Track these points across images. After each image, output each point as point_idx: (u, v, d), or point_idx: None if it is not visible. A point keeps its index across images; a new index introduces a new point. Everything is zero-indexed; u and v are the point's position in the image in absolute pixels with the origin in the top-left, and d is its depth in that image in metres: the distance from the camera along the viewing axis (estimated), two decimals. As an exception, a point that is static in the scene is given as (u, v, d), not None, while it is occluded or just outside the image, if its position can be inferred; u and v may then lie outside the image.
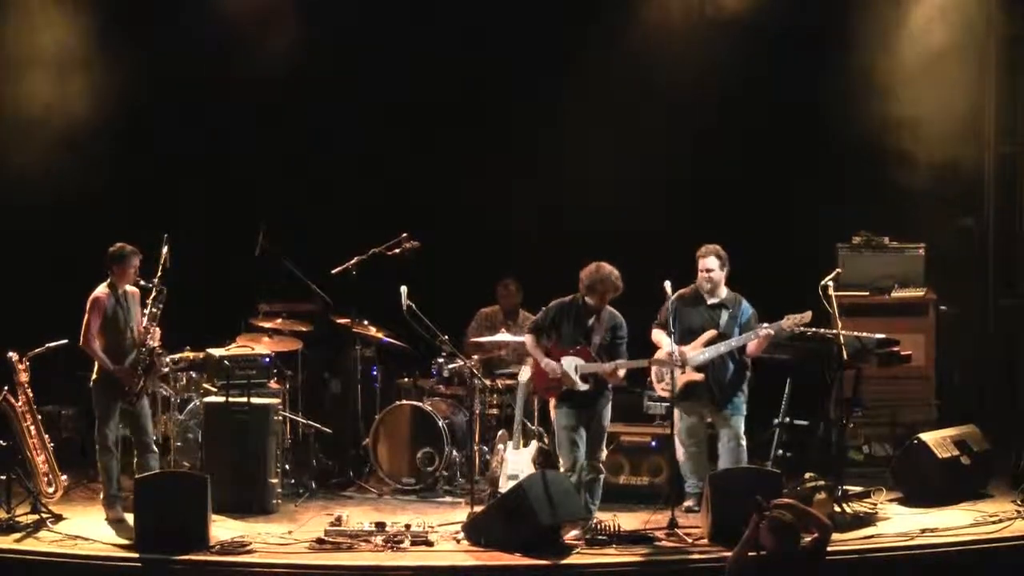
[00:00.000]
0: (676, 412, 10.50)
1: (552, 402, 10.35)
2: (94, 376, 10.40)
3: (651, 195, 12.69)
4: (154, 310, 10.42)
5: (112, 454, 10.37)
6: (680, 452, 10.73)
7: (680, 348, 10.34)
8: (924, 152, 12.48)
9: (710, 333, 10.56)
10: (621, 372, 10.30)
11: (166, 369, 11.02)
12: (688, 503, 10.66)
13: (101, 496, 10.45)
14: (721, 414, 10.63)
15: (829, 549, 9.25)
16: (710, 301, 10.65)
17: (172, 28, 12.60)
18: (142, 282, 10.42)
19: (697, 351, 10.51)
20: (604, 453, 10.41)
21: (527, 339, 10.43)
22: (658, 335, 10.68)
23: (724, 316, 10.60)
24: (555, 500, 9.73)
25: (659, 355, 10.55)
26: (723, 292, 10.66)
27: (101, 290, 10.39)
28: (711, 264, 10.59)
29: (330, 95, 12.96)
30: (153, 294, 10.39)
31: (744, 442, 10.59)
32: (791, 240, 12.49)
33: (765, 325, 10.47)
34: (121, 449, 10.52)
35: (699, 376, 10.54)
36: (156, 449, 10.62)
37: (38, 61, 12.60)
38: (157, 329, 10.46)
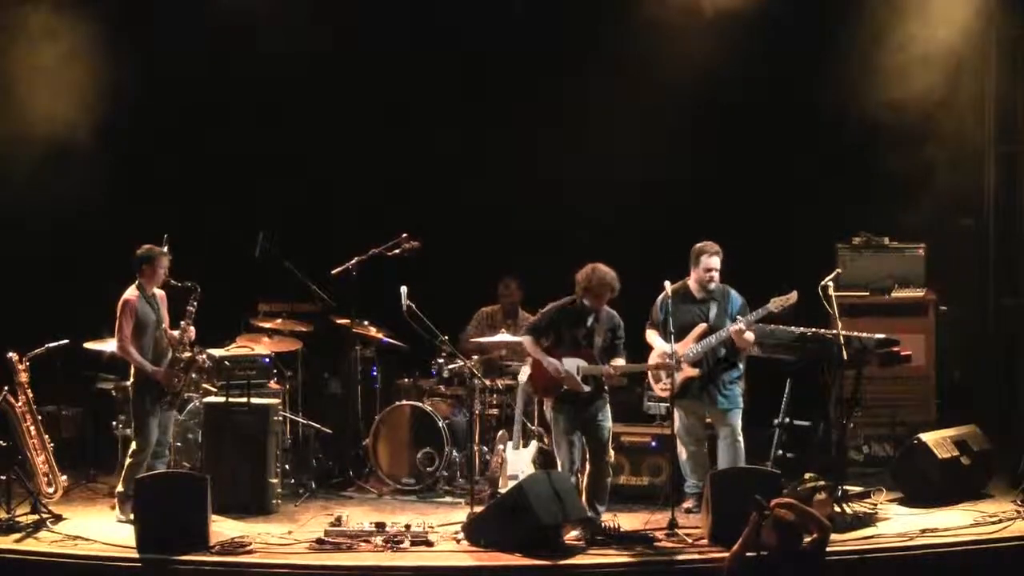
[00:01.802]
0: (676, 411, 10.51)
1: (548, 404, 10.34)
2: (131, 379, 10.38)
3: (651, 195, 12.69)
4: (190, 308, 10.43)
5: (146, 459, 10.29)
6: (681, 451, 10.74)
7: (674, 346, 10.35)
8: (924, 152, 12.48)
9: (700, 328, 10.55)
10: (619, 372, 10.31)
11: (209, 364, 10.99)
12: (687, 504, 10.65)
13: (118, 492, 10.35)
14: (717, 410, 10.61)
15: (829, 549, 9.25)
16: (699, 296, 10.64)
17: (172, 28, 12.59)
18: (172, 281, 10.41)
19: (688, 347, 10.51)
20: (611, 455, 10.39)
21: (526, 340, 10.39)
22: (651, 336, 10.68)
23: (713, 309, 10.60)
24: (555, 500, 9.72)
25: (654, 358, 10.57)
26: (712, 286, 10.66)
27: (131, 293, 10.33)
28: (716, 263, 10.58)
29: (330, 95, 12.96)
30: (190, 295, 10.38)
31: (741, 439, 10.57)
32: (791, 240, 12.49)
33: (751, 315, 10.44)
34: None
35: (695, 372, 10.53)
36: (168, 454, 10.60)
37: (37, 61, 12.59)
38: (192, 328, 10.47)
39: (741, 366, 10.65)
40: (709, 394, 10.59)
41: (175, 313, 10.52)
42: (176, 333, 10.46)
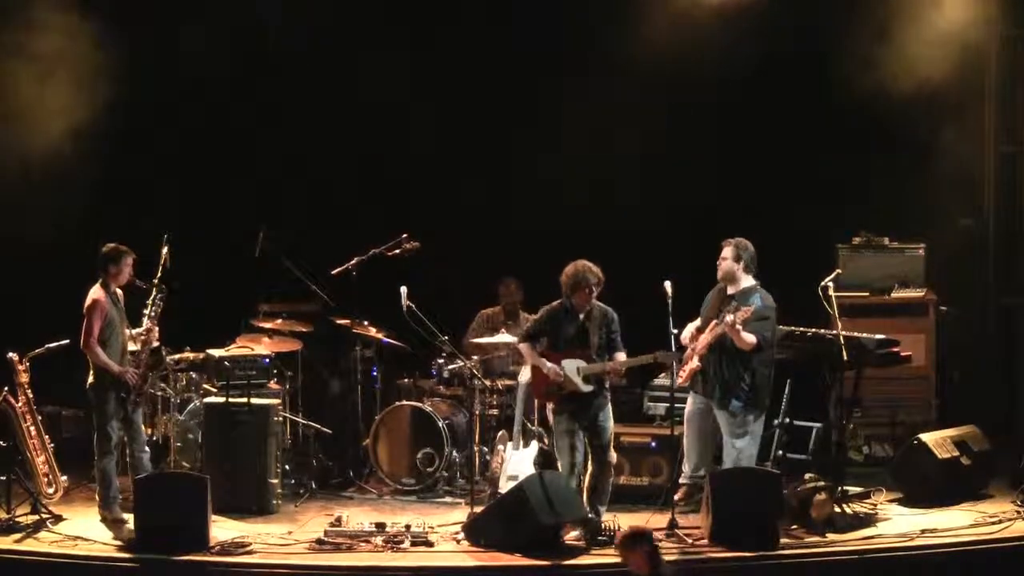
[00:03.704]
0: (688, 397, 10.55)
1: (550, 407, 10.33)
2: (91, 379, 10.34)
3: (651, 195, 12.69)
4: (156, 310, 10.42)
5: (113, 456, 10.32)
6: (685, 437, 10.62)
7: (695, 334, 10.43)
8: (924, 152, 12.49)
9: (712, 324, 10.54)
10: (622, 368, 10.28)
11: (171, 362, 11.01)
12: (677, 495, 10.35)
13: (97, 499, 10.39)
14: (718, 410, 10.49)
15: (831, 549, 9.30)
16: (729, 291, 10.60)
17: (172, 28, 12.59)
18: (138, 281, 10.40)
19: (702, 340, 10.51)
20: (613, 455, 10.34)
21: (523, 348, 10.38)
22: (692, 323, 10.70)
23: (727, 307, 10.55)
24: (555, 501, 9.73)
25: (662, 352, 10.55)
26: (743, 283, 10.50)
27: (98, 293, 10.30)
28: (724, 253, 10.49)
29: (330, 95, 12.96)
30: (155, 294, 10.36)
31: (735, 444, 10.25)
32: (791, 240, 12.48)
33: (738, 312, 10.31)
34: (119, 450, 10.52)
35: (696, 365, 10.48)
36: (148, 449, 10.58)
37: (37, 60, 12.58)
38: (156, 328, 10.45)
39: (747, 375, 10.25)
40: (713, 391, 10.48)
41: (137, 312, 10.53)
42: (137, 331, 10.44)
